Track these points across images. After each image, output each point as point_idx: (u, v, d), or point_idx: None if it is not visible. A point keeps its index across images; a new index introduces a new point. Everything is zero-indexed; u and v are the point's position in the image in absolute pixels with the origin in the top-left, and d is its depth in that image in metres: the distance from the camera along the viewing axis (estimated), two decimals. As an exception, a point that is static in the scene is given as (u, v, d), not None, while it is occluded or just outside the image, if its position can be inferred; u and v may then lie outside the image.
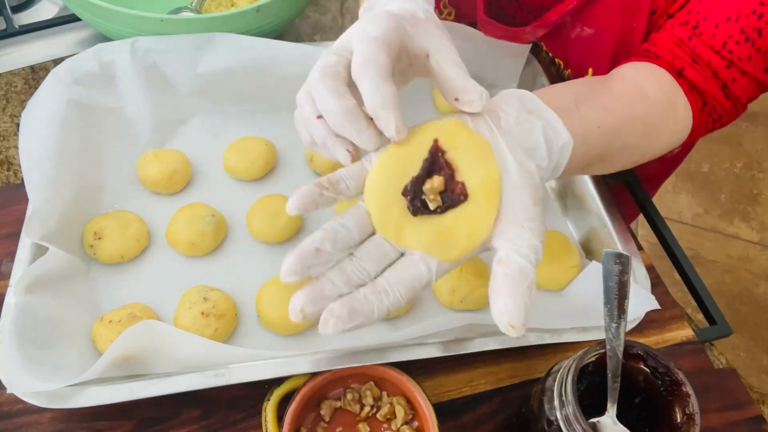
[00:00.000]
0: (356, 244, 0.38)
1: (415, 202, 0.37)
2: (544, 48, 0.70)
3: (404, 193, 0.38)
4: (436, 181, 0.37)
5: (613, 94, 0.49)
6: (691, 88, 0.53)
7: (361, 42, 0.37)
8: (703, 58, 0.52)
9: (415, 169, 0.38)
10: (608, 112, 0.47)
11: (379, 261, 0.38)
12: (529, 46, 0.69)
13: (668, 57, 0.53)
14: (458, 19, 0.74)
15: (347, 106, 0.37)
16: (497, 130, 0.40)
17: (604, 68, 0.62)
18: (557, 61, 0.69)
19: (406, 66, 0.41)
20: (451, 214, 0.38)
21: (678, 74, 0.53)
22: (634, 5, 0.56)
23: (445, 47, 0.40)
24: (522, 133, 0.40)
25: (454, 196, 0.38)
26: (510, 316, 0.35)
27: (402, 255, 0.38)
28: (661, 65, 0.53)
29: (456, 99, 0.39)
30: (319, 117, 0.38)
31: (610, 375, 0.39)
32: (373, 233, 0.38)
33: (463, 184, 0.38)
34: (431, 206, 0.37)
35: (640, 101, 0.50)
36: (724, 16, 0.50)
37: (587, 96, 0.47)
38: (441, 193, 0.38)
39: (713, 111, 0.54)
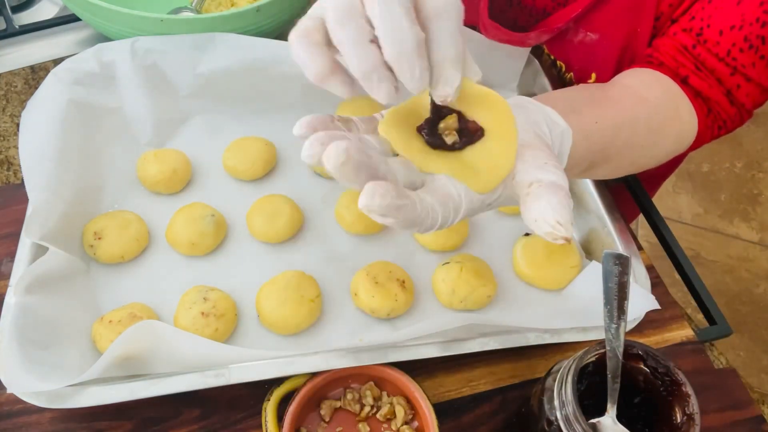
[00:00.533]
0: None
1: (434, 138, 0.36)
2: (546, 50, 0.70)
3: (419, 129, 0.36)
4: (450, 119, 0.36)
5: (612, 98, 0.50)
6: (696, 96, 0.53)
7: None
8: (708, 66, 0.52)
9: (426, 113, 0.37)
10: (606, 111, 0.47)
11: (409, 176, 0.34)
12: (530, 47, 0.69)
13: (672, 65, 0.53)
14: None
15: (420, 40, 0.31)
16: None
17: (607, 73, 0.62)
18: (559, 64, 0.69)
19: None
20: (471, 150, 0.36)
21: (682, 82, 0.53)
22: (638, 11, 0.56)
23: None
24: (526, 116, 0.39)
25: (470, 132, 0.36)
26: (556, 212, 0.32)
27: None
28: (665, 72, 0.53)
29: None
30: (373, 41, 0.31)
31: (610, 376, 0.39)
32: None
33: (475, 122, 0.36)
34: (448, 141, 0.36)
35: (640, 103, 0.50)
36: (728, 23, 0.51)
37: (584, 100, 0.48)
38: (457, 131, 0.36)
39: (718, 117, 0.54)
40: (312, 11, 0.33)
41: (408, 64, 0.31)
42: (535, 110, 0.40)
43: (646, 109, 0.50)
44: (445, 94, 0.33)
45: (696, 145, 0.55)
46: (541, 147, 0.37)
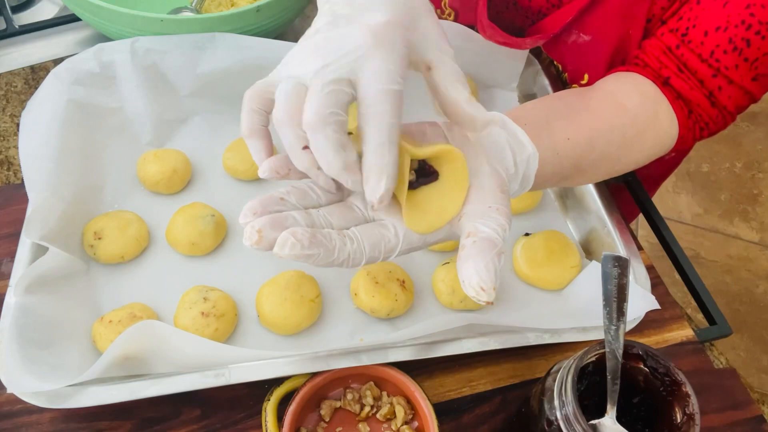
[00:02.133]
0: (321, 206, 0.38)
1: None
2: (543, 51, 0.70)
3: None
4: (413, 160, 0.38)
5: (589, 107, 0.50)
6: (677, 97, 0.53)
7: (378, 94, 0.34)
8: (690, 67, 0.52)
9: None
10: (580, 124, 0.48)
11: (346, 220, 0.37)
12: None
13: (655, 65, 0.54)
14: (458, 22, 0.74)
15: (348, 162, 0.35)
16: (469, 137, 0.41)
17: (599, 75, 0.62)
18: (556, 63, 0.69)
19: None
20: (425, 190, 0.39)
21: (664, 83, 0.53)
22: (630, 13, 0.56)
23: (445, 55, 0.38)
24: (490, 143, 0.41)
25: (426, 173, 0.39)
26: (480, 278, 0.34)
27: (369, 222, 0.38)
28: (648, 73, 0.54)
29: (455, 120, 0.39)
30: (306, 148, 0.35)
31: (609, 377, 0.39)
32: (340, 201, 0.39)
33: (432, 167, 0.39)
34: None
35: (618, 112, 0.51)
36: (714, 24, 0.51)
37: (560, 112, 0.49)
38: (415, 170, 0.39)
39: (700, 119, 0.55)
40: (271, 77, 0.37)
41: (340, 180, 0.35)
42: (502, 135, 0.42)
43: (623, 118, 0.50)
44: (370, 202, 0.35)
45: (678, 146, 0.56)
46: (491, 187, 0.39)
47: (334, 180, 0.37)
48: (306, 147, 0.35)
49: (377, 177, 0.35)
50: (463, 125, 0.40)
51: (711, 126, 0.55)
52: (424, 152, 0.38)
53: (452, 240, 0.39)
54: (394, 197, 0.38)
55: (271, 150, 0.39)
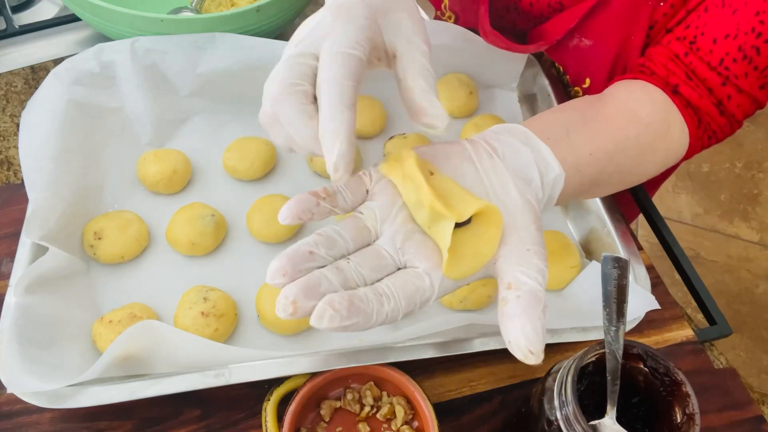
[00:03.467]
0: (350, 254, 0.36)
1: None
2: (545, 53, 0.70)
3: None
4: None
5: (605, 117, 0.49)
6: (686, 106, 0.53)
7: (330, 56, 0.34)
8: (699, 75, 0.52)
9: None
10: (599, 137, 0.47)
11: (377, 270, 0.35)
12: None
13: (663, 73, 0.53)
14: (459, 24, 0.75)
15: (316, 131, 0.35)
16: (496, 157, 0.39)
17: (601, 80, 0.62)
18: (557, 65, 0.69)
19: (374, 59, 0.40)
20: (457, 234, 0.36)
21: (672, 91, 0.53)
22: (633, 19, 0.56)
23: (414, 49, 0.38)
24: (517, 163, 0.40)
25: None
26: (529, 341, 0.32)
27: (399, 270, 0.36)
28: (656, 81, 0.53)
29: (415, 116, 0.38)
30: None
31: (609, 378, 0.39)
32: (368, 245, 0.37)
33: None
34: None
35: (633, 123, 0.50)
36: (723, 32, 0.50)
37: (577, 122, 0.47)
38: None
39: (708, 128, 0.54)
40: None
41: (317, 152, 0.35)
42: (527, 153, 0.40)
43: (637, 127, 0.50)
44: (329, 171, 0.35)
45: (687, 156, 0.55)
46: (525, 225, 0.37)
47: (345, 191, 0.36)
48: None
49: (331, 140, 0.33)
50: (416, 117, 0.38)
51: (719, 134, 0.55)
52: (466, 213, 0.36)
53: (488, 278, 0.38)
54: (431, 239, 0.36)
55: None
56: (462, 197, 0.37)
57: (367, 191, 0.39)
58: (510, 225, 0.37)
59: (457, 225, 0.36)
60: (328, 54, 0.34)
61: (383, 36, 0.38)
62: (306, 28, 0.38)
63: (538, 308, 0.33)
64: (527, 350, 0.32)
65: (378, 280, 0.35)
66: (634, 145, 0.49)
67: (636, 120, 0.50)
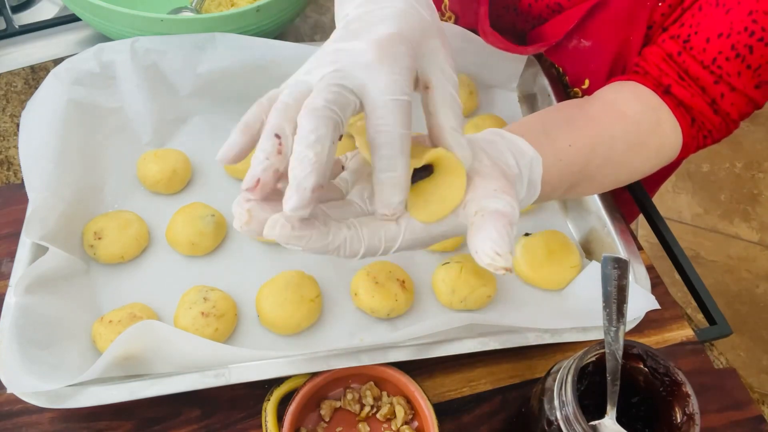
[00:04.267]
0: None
1: None
2: (544, 54, 0.70)
3: None
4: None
5: (588, 116, 0.50)
6: (678, 105, 0.53)
7: (384, 104, 0.33)
8: (691, 74, 0.52)
9: None
10: (580, 132, 0.48)
11: (345, 214, 0.36)
12: None
13: (656, 73, 0.54)
14: (458, 25, 0.75)
15: (324, 163, 0.32)
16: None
17: (600, 80, 0.62)
18: (557, 66, 0.69)
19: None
20: (422, 185, 0.37)
21: (665, 91, 0.53)
22: (631, 19, 0.56)
23: (447, 81, 0.38)
24: (490, 149, 0.40)
25: (422, 169, 0.37)
26: (494, 242, 0.32)
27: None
28: (649, 82, 0.54)
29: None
30: (279, 137, 0.35)
31: (609, 378, 0.39)
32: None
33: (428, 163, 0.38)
34: None
35: (619, 120, 0.50)
36: (716, 31, 0.50)
37: (558, 121, 0.48)
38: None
39: (703, 127, 0.55)
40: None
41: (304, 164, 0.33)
42: (501, 142, 0.41)
43: (624, 125, 0.50)
44: (382, 215, 0.35)
45: (683, 155, 0.56)
46: (494, 176, 0.38)
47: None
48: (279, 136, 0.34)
49: (391, 189, 0.34)
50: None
51: (714, 134, 0.55)
52: (423, 159, 0.37)
53: (459, 235, 0.38)
54: None
55: (245, 151, 0.38)
56: (423, 150, 0.38)
57: (343, 167, 0.40)
58: (479, 175, 0.37)
59: (421, 177, 0.37)
60: (382, 102, 0.33)
61: (420, 69, 0.37)
62: (341, 53, 0.35)
63: (504, 220, 0.33)
64: (493, 252, 0.32)
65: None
66: (621, 140, 0.50)
67: (623, 118, 0.51)
